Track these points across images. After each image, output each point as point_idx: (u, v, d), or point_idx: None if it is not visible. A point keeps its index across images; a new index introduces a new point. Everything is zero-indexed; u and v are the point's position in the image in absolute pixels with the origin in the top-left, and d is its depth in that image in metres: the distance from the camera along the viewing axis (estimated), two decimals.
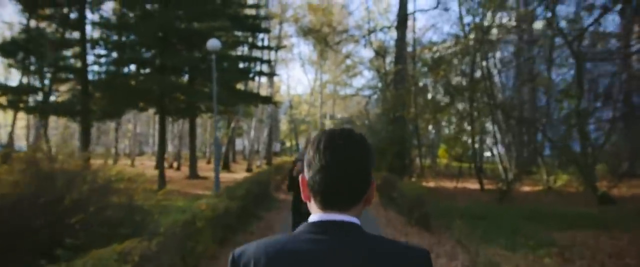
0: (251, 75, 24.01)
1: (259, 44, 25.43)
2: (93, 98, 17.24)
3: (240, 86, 27.18)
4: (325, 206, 1.07)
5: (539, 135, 16.30)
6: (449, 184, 17.96)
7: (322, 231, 1.04)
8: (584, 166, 11.76)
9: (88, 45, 17.24)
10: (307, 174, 1.10)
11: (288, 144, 61.73)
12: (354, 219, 1.06)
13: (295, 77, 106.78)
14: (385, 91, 19.80)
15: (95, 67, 18.23)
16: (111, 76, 16.72)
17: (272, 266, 1.01)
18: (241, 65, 22.27)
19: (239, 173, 25.97)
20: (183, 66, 17.97)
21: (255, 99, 21.66)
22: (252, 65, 22.75)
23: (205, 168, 30.50)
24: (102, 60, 17.42)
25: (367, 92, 28.08)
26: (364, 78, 66.73)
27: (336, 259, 1.00)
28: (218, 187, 12.88)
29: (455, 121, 16.32)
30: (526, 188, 15.95)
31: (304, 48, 65.97)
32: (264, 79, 30.07)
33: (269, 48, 24.98)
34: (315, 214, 1.08)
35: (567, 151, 12.89)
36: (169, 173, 27.83)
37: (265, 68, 26.64)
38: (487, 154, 31.79)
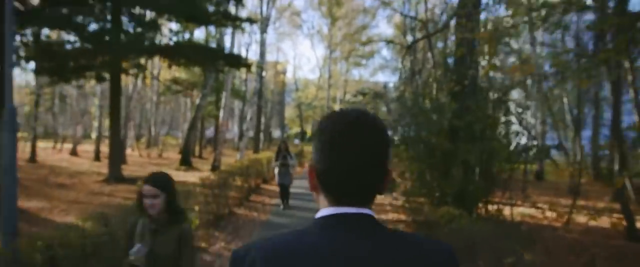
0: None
1: None
2: None
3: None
4: (337, 201, 0.94)
5: None
6: (541, 216, 9.81)
7: (335, 225, 0.92)
8: None
9: None
10: (316, 163, 0.95)
11: (292, 130, 54.91)
12: (368, 211, 0.94)
13: (304, 56, 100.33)
14: (444, 29, 11.61)
15: None
16: None
17: (283, 265, 0.88)
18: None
19: (202, 171, 17.98)
20: None
21: (218, 57, 13.41)
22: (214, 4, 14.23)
23: (162, 163, 23.05)
24: None
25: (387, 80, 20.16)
26: (382, 58, 58.89)
27: (354, 256, 0.88)
28: (11, 226, 5.03)
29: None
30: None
31: (312, 15, 56.97)
32: (252, 45, 21.50)
33: None
34: (326, 208, 0.95)
35: None
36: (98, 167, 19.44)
37: (242, 13, 18.02)
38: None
